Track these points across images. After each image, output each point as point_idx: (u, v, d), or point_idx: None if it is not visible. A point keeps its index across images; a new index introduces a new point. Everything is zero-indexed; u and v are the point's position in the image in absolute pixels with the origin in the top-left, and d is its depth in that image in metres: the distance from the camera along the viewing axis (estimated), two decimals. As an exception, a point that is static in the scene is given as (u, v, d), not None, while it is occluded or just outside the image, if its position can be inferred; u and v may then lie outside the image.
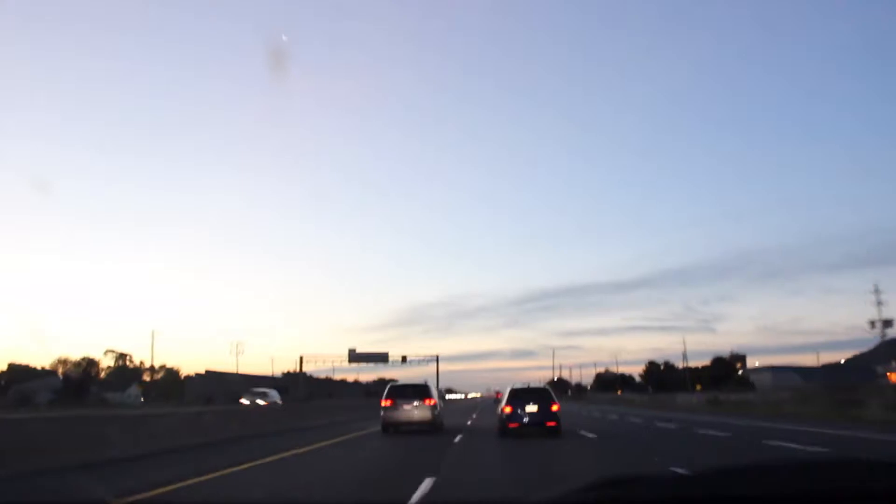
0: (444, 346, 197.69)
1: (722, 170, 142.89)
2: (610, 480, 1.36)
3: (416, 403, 17.34)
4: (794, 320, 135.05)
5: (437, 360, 70.86)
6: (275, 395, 35.07)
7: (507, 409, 15.58)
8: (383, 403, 17.65)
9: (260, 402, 31.32)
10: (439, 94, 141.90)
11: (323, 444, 14.10)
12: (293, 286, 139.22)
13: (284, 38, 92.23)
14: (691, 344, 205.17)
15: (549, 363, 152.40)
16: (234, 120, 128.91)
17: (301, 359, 74.34)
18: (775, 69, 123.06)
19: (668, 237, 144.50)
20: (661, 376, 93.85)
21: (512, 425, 15.34)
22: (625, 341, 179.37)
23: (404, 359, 69.53)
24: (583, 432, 16.80)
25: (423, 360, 71.03)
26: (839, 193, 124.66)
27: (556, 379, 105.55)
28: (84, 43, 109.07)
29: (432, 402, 17.64)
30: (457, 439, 12.74)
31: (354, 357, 71.30)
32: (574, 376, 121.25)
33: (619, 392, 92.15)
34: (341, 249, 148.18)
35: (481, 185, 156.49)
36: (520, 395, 16.01)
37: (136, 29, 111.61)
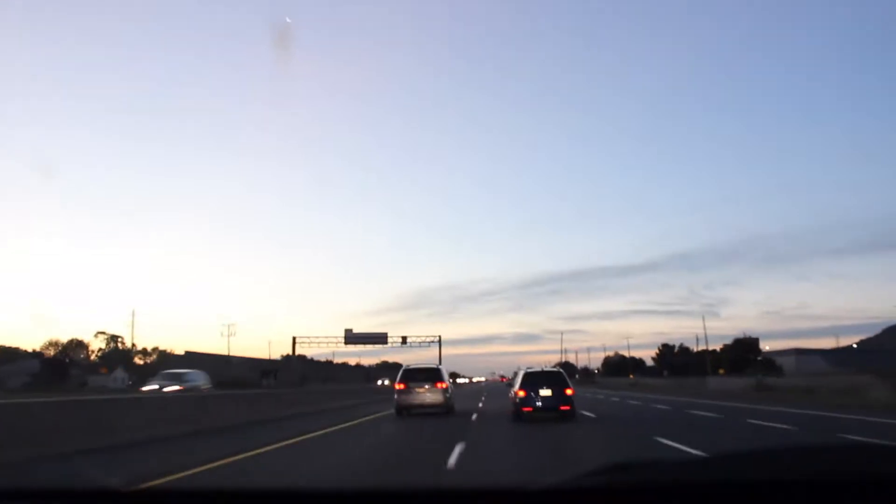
0: (448, 330, 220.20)
1: (726, 154, 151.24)
2: (619, 465, 1.40)
3: (428, 387, 18.60)
4: (799, 305, 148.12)
5: (440, 342, 70.61)
6: (197, 379, 27.31)
7: (521, 393, 15.71)
8: (397, 387, 18.92)
9: (172, 387, 23.60)
10: (441, 79, 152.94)
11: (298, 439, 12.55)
12: (295, 271, 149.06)
13: (288, 20, 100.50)
14: (697, 328, 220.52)
15: (553, 347, 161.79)
16: (236, 105, 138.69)
17: (294, 340, 74.01)
18: (778, 53, 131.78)
19: (673, 221, 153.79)
20: (674, 360, 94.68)
21: (526, 409, 15.52)
22: (629, 326, 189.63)
23: (404, 340, 69.80)
24: (666, 441, 10.64)
25: (425, 342, 70.89)
26: (844, 178, 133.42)
27: (562, 362, 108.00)
28: (87, 28, 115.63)
29: (444, 386, 18.93)
30: (467, 436, 11.85)
31: (351, 338, 71.45)
32: (579, 360, 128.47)
33: (631, 376, 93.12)
34: (344, 235, 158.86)
35: (484, 170, 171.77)
36: (534, 379, 16.19)
37: (138, 13, 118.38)
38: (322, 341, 73.59)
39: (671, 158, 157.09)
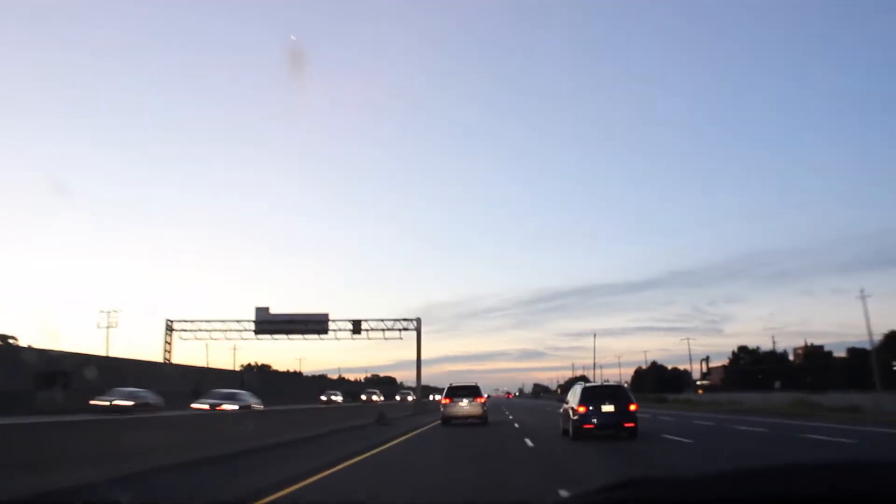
0: (452, 346, 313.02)
1: (731, 171, 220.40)
2: (632, 480, 2.12)
3: (468, 401, 33.69)
4: (801, 321, 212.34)
5: (419, 329, 73.00)
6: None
7: (581, 409, 22.08)
8: (443, 402, 34.74)
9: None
10: (448, 95, 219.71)
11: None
12: (302, 287, 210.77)
13: (293, 37, 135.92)
14: (696, 345, 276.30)
15: (557, 364, 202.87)
16: (241, 119, 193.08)
17: (169, 326, 71.27)
18: (786, 69, 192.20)
19: (676, 238, 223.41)
20: (742, 370, 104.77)
21: (587, 426, 21.89)
22: (632, 342, 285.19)
23: (357, 326, 70.71)
24: None
25: (393, 329, 72.66)
26: (849, 194, 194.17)
27: (580, 376, 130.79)
28: (102, 44, 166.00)
29: (483, 400, 34.54)
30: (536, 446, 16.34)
31: (266, 322, 70.06)
32: (601, 376, 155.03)
33: (700, 392, 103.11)
34: (348, 251, 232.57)
35: (489, 187, 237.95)
36: (594, 394, 22.71)
37: (150, 30, 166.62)
38: (217, 328, 74.59)
39: (675, 175, 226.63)
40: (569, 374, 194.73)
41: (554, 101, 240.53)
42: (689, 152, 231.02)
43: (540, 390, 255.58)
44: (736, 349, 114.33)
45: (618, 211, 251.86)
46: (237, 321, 74.55)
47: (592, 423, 21.92)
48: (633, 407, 22.46)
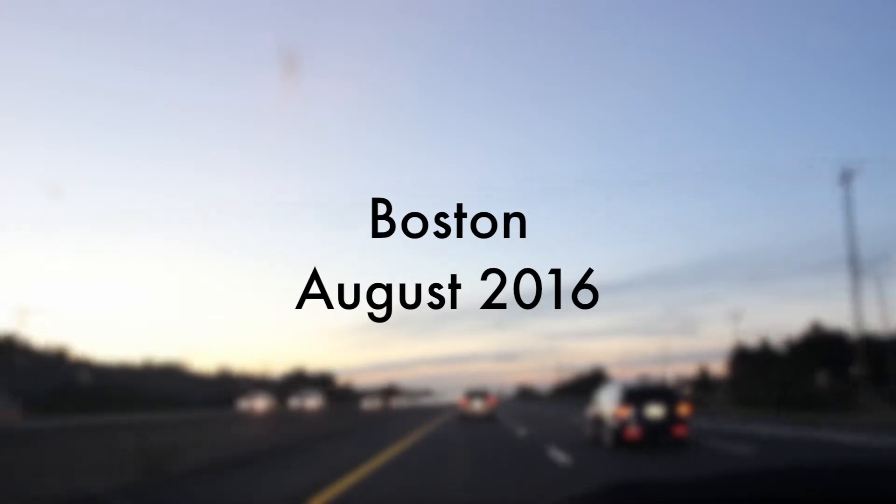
0: (427, 348, 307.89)
1: (707, 171, 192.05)
2: (619, 485, 2.16)
3: (480, 402, 44.32)
4: (775, 324, 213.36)
5: None
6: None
7: (623, 413, 20.05)
8: (461, 402, 45.66)
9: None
10: (424, 94, 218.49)
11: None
12: (269, 288, 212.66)
13: (268, 37, 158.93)
14: (672, 348, 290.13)
15: (534, 365, 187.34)
16: (230, 119, 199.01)
17: None
18: (759, 69, 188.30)
19: (651, 240, 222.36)
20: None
21: (631, 433, 19.83)
22: (607, 345, 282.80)
23: None
24: None
25: None
26: (825, 196, 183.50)
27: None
28: (94, 48, 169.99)
29: (492, 402, 45.75)
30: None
31: None
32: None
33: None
34: (326, 250, 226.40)
35: (470, 184, 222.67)
36: (638, 395, 20.66)
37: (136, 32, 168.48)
38: None
39: (654, 175, 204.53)
40: (555, 377, 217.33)
41: (528, 99, 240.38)
42: (663, 152, 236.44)
43: (526, 392, 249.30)
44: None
45: (591, 211, 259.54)
46: None
47: (637, 429, 19.83)
48: (684, 410, 20.45)
